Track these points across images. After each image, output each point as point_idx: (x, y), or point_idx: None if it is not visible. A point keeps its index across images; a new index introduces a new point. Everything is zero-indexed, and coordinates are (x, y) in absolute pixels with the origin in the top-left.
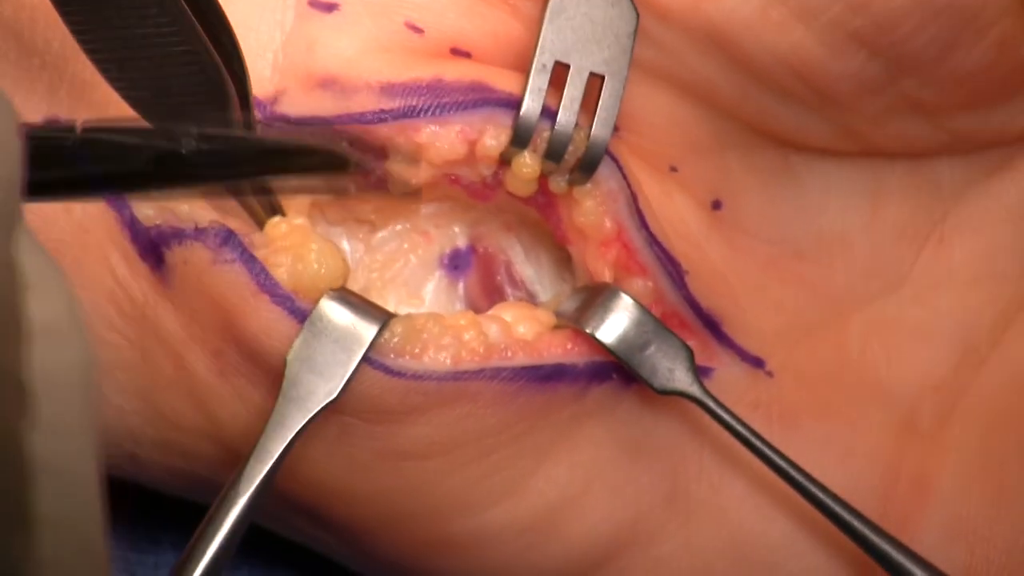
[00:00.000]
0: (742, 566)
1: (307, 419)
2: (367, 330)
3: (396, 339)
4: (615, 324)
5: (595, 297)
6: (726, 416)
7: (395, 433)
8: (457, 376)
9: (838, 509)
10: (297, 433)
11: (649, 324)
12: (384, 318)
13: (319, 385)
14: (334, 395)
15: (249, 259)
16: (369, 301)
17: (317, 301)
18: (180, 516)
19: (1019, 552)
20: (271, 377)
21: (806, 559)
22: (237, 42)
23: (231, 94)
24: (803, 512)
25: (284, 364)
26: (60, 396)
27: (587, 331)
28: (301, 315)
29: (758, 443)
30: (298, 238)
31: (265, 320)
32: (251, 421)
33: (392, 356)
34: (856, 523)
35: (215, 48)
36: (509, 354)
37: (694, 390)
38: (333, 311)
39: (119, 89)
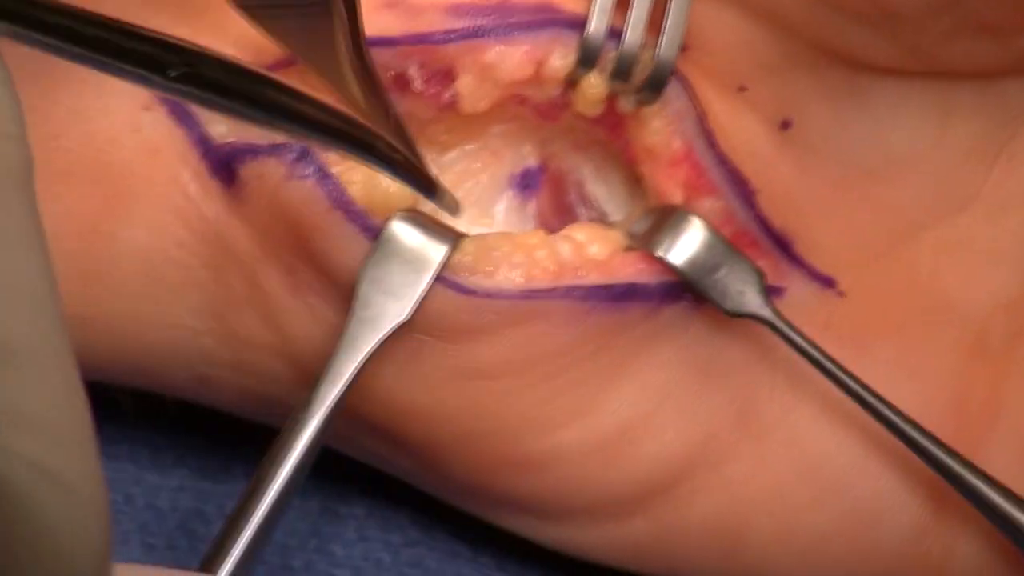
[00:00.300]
0: (813, 486)
1: (378, 340)
2: (437, 250)
3: (468, 258)
4: (685, 246)
5: (665, 219)
6: (796, 338)
7: (467, 351)
8: (529, 294)
9: (910, 430)
10: (368, 354)
11: (719, 246)
12: (454, 238)
13: (390, 305)
14: (405, 315)
15: (324, 175)
16: (439, 221)
17: (388, 221)
18: (253, 444)
19: None
20: (344, 295)
21: (878, 481)
22: None
23: None
24: (874, 434)
25: (355, 283)
26: None
27: (657, 254)
28: (374, 233)
29: (829, 365)
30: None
31: (338, 237)
32: (324, 339)
33: (464, 275)
34: (928, 444)
35: None
36: (581, 273)
37: (765, 312)
38: (403, 231)
39: None
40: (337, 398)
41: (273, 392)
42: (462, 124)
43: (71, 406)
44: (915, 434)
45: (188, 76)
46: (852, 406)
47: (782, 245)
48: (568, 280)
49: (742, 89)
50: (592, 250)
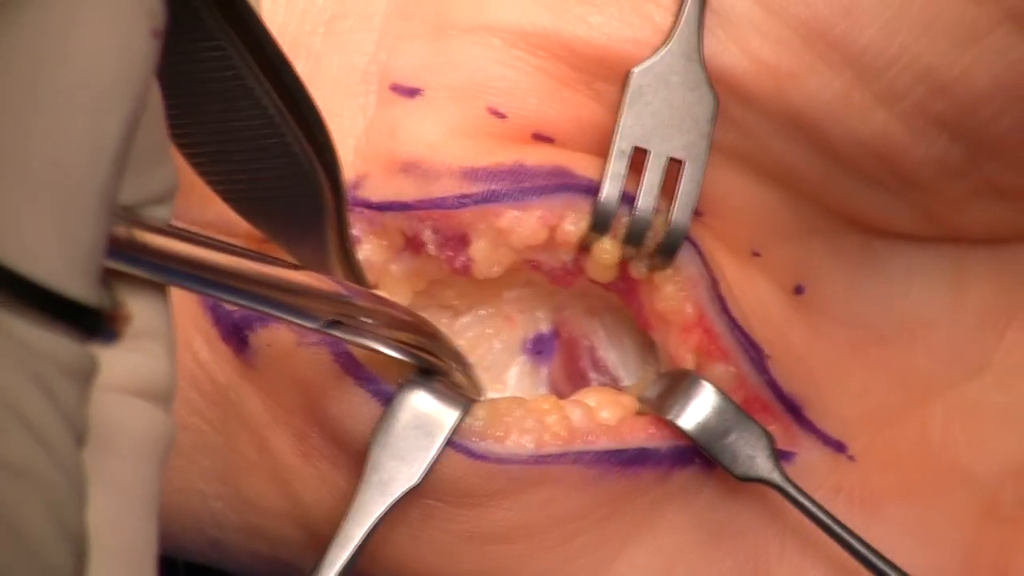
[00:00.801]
0: None
1: (388, 504)
2: (449, 415)
3: (479, 423)
4: (696, 412)
5: (676, 384)
6: (807, 503)
7: (479, 516)
8: (540, 460)
9: None
10: (378, 518)
11: (730, 411)
12: (467, 403)
13: (401, 470)
14: (416, 480)
15: (333, 341)
16: (451, 386)
17: (400, 384)
18: None
19: None
20: (355, 460)
21: None
22: (329, 133)
23: (323, 185)
24: None
25: (367, 448)
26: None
27: (668, 418)
28: (385, 397)
29: (839, 530)
30: None
31: (349, 403)
32: (335, 504)
33: (475, 439)
34: None
35: (307, 139)
36: (592, 438)
37: (775, 477)
38: (415, 396)
39: (211, 183)
40: (347, 562)
41: (284, 556)
42: (475, 289)
43: None
44: None
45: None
46: (861, 573)
47: (793, 410)
48: (579, 445)
49: (756, 254)
50: (603, 415)
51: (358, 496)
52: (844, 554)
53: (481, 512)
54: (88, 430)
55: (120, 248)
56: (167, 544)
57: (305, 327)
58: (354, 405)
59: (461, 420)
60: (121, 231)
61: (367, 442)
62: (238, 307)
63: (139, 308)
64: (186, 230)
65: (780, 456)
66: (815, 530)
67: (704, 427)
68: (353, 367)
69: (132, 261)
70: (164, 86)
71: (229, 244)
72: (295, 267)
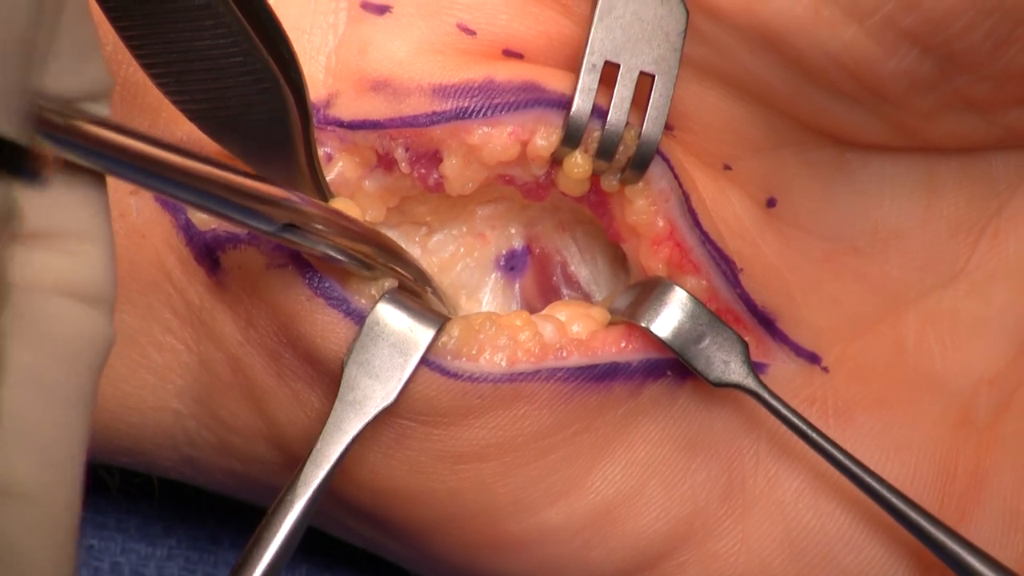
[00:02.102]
0: (799, 560)
1: (364, 423)
2: (424, 334)
3: (453, 341)
4: (669, 317)
5: (649, 291)
6: (782, 408)
7: (452, 435)
8: (513, 377)
9: (895, 500)
10: (354, 437)
11: (704, 317)
12: (440, 321)
13: (376, 389)
14: (391, 399)
15: (302, 263)
16: (424, 303)
17: (374, 303)
18: (241, 516)
19: None
20: (328, 380)
21: (863, 552)
22: (294, 51)
23: (290, 103)
24: (860, 505)
25: (341, 367)
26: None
27: (642, 325)
28: (358, 316)
29: (814, 435)
30: None
31: (321, 323)
32: (309, 424)
33: (449, 358)
34: (913, 514)
35: (272, 58)
36: (564, 354)
37: (749, 382)
38: (389, 314)
39: (176, 102)
40: (322, 481)
41: (258, 474)
42: (448, 205)
43: (59, 546)
44: (899, 503)
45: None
46: (836, 479)
47: (766, 322)
48: (551, 362)
49: (727, 168)
50: (575, 329)
51: (333, 415)
52: (819, 463)
53: (454, 431)
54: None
55: (54, 131)
56: (142, 460)
57: (258, 229)
58: (327, 325)
59: (435, 338)
60: (56, 117)
61: (340, 361)
62: (187, 204)
63: (75, 208)
64: (126, 126)
65: (745, 392)
66: (790, 439)
67: (678, 332)
68: (324, 288)
69: (67, 145)
70: (127, 6)
71: (176, 145)
72: (248, 174)
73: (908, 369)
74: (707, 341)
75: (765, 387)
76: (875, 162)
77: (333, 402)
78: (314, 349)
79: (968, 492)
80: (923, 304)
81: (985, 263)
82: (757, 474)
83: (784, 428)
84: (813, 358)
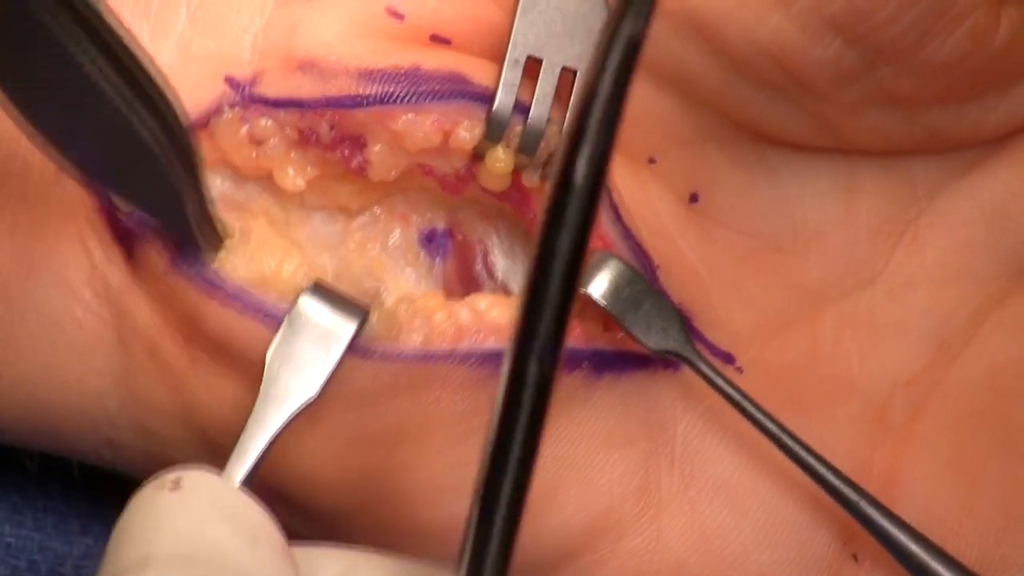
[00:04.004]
0: (714, 559)
1: (286, 418)
2: (346, 327)
3: (371, 329)
4: (606, 281)
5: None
6: (716, 379)
7: (364, 420)
8: (427, 357)
9: (825, 472)
10: (278, 432)
11: (641, 284)
12: (363, 313)
13: (298, 383)
14: (313, 393)
15: (203, 268)
16: (346, 295)
17: (291, 296)
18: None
19: (991, 547)
20: (243, 368)
21: (778, 551)
22: (180, 116)
23: (177, 167)
24: (775, 506)
25: (258, 360)
26: None
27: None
28: (274, 317)
29: (747, 404)
30: (259, 237)
31: (220, 317)
32: (223, 411)
33: (363, 340)
34: (842, 485)
35: (158, 126)
36: (480, 337)
37: (687, 350)
38: (311, 308)
39: (63, 163)
40: (246, 477)
41: (177, 457)
42: (370, 189)
43: None
44: (829, 475)
45: None
46: (752, 477)
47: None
48: (466, 345)
49: (651, 161)
50: (492, 314)
51: (255, 410)
52: (735, 460)
53: (367, 415)
54: None
55: None
56: (62, 443)
57: None
58: (227, 318)
59: (359, 331)
60: None
61: (248, 353)
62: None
63: None
64: None
65: (669, 365)
66: (707, 435)
67: (616, 297)
68: (219, 283)
69: None
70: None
71: None
72: None
73: (824, 370)
74: (645, 307)
75: (702, 357)
76: (797, 161)
77: (246, 390)
78: (221, 343)
79: (883, 494)
80: (841, 305)
81: (903, 267)
82: (673, 472)
83: (700, 422)
84: (727, 358)
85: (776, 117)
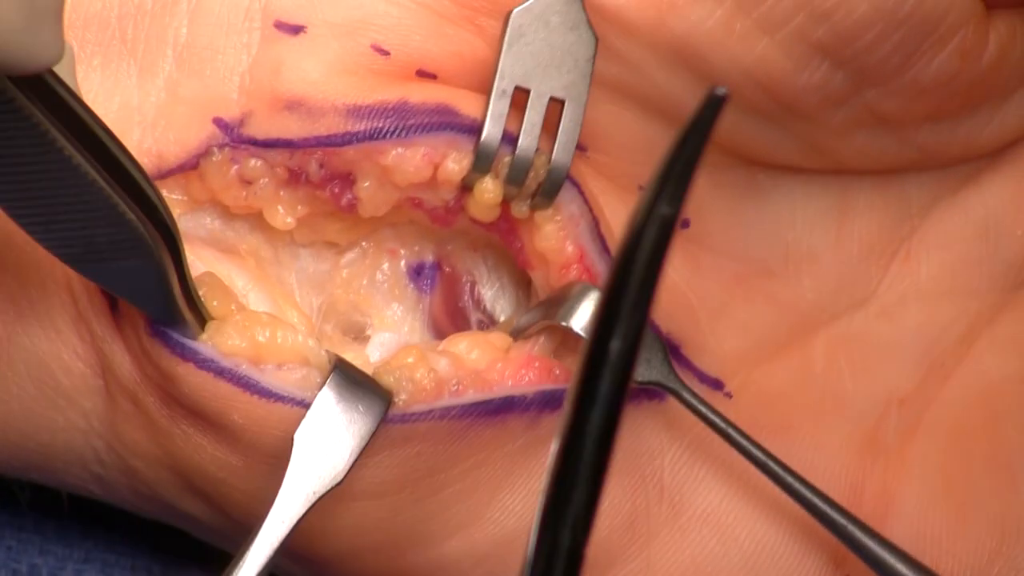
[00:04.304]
0: None
1: (311, 504)
2: (373, 412)
3: None
4: (588, 313)
5: (566, 292)
6: (703, 408)
7: (348, 475)
8: (405, 418)
9: (813, 498)
10: (300, 518)
11: None
12: (387, 397)
13: (322, 469)
14: (340, 479)
15: (169, 331)
16: (369, 376)
17: (286, 362)
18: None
19: (983, 566)
20: (216, 430)
21: None
22: (161, 197)
23: (159, 248)
24: (764, 533)
25: (241, 422)
26: None
27: (560, 323)
28: (231, 376)
29: (733, 433)
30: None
31: (194, 383)
32: (203, 463)
33: None
34: (831, 511)
35: (139, 206)
36: (459, 390)
37: (670, 380)
38: (340, 390)
39: (49, 248)
40: (267, 562)
41: (164, 498)
42: (359, 225)
43: None
44: (817, 500)
45: None
46: (739, 505)
47: (670, 348)
48: (445, 400)
49: (640, 188)
50: (472, 356)
51: (280, 497)
52: (723, 490)
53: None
54: None
55: None
56: (52, 477)
57: None
58: (200, 384)
59: (384, 416)
60: None
61: (221, 414)
62: None
63: None
64: None
65: (654, 396)
66: (695, 464)
67: None
68: (190, 352)
69: None
70: None
71: None
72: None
73: (815, 392)
74: None
75: (685, 386)
76: (787, 183)
77: (228, 449)
78: (194, 405)
79: (875, 515)
80: (834, 327)
81: (896, 285)
82: (662, 502)
83: (688, 452)
84: (716, 384)
85: (765, 141)
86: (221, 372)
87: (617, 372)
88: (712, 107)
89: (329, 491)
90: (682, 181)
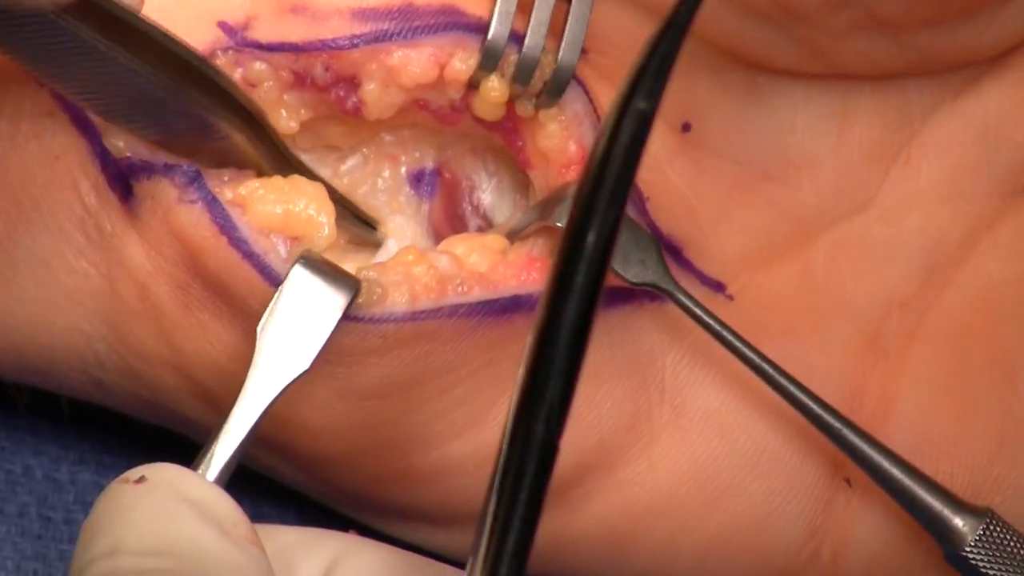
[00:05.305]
0: (706, 488)
1: (279, 391)
2: (336, 300)
3: (360, 298)
4: None
5: (561, 193)
6: (697, 310)
7: (354, 374)
8: (415, 316)
9: (807, 400)
10: (269, 406)
11: None
12: (353, 285)
13: (290, 354)
14: (306, 366)
15: (212, 201)
16: (335, 265)
17: (290, 257)
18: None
19: (983, 468)
20: (236, 312)
21: (768, 480)
22: (242, 95)
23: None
24: (764, 435)
25: (258, 305)
26: None
27: (555, 223)
28: (256, 260)
29: (727, 335)
30: (275, 188)
31: (224, 260)
32: (216, 355)
33: (353, 312)
34: (827, 415)
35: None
36: (464, 289)
37: (665, 282)
38: (303, 279)
39: (141, 136)
40: (236, 450)
41: (165, 401)
42: (361, 129)
43: None
44: (812, 404)
45: None
46: (741, 406)
47: (671, 250)
48: (452, 298)
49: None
50: (472, 260)
51: (248, 383)
52: (724, 390)
53: (357, 369)
54: None
55: None
56: (52, 381)
57: None
58: (230, 263)
59: (350, 304)
60: None
61: (246, 295)
62: None
63: None
64: None
65: (656, 298)
66: (695, 365)
67: None
68: (228, 227)
69: None
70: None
71: None
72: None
73: (816, 295)
74: (623, 239)
75: (680, 287)
76: (788, 87)
77: (243, 335)
78: (220, 284)
79: (876, 418)
80: (834, 231)
81: (896, 190)
82: (663, 403)
83: (689, 353)
84: (718, 286)
85: (766, 44)
86: (249, 255)
87: (592, 265)
88: (690, 4)
89: (295, 380)
90: (659, 77)
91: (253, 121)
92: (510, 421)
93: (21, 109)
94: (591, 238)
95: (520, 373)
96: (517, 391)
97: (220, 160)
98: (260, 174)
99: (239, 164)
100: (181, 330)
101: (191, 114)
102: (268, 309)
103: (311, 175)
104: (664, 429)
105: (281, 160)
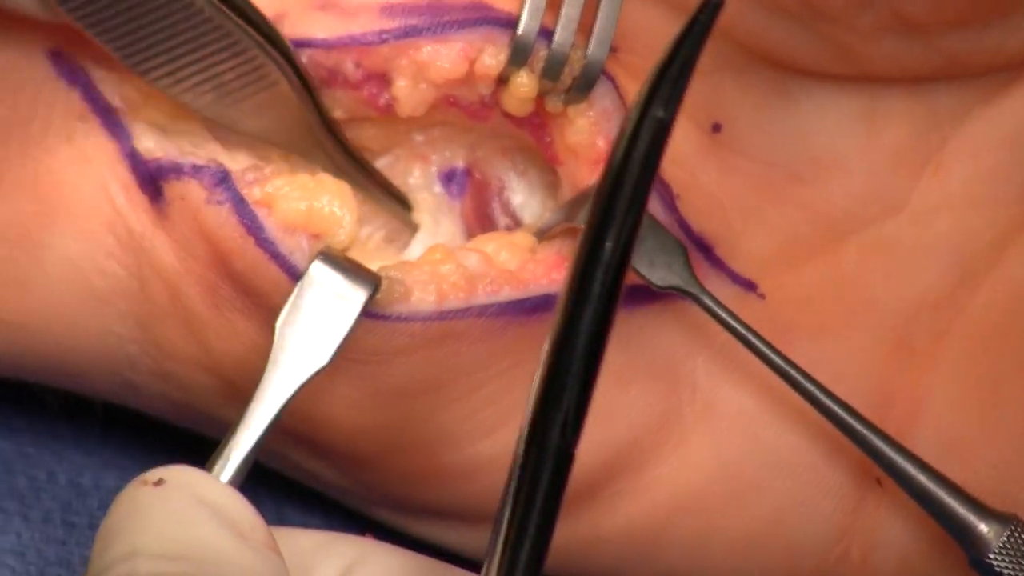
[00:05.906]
0: (732, 485)
1: (297, 386)
2: (357, 294)
3: (382, 293)
4: None
5: (585, 195)
6: (723, 314)
7: (383, 373)
8: (443, 315)
9: (833, 405)
10: (287, 402)
11: (644, 219)
12: (373, 281)
13: (310, 349)
14: (325, 361)
15: (239, 202)
16: (356, 261)
17: (304, 252)
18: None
19: (1013, 469)
20: (265, 312)
21: (797, 479)
22: (280, 34)
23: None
24: (793, 434)
25: (274, 328)
26: None
27: (580, 224)
28: (290, 269)
29: (754, 340)
30: (300, 185)
31: (252, 261)
32: (245, 354)
33: (378, 308)
34: (853, 420)
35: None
36: (494, 288)
37: (691, 286)
38: (324, 274)
39: (181, 98)
40: (254, 446)
41: (195, 402)
42: (392, 129)
43: None
44: (839, 410)
45: None
46: (767, 405)
47: (702, 249)
48: (482, 297)
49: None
50: (501, 257)
51: (265, 378)
52: (753, 388)
53: (385, 368)
54: None
55: None
56: (84, 383)
57: None
58: (258, 263)
59: (370, 299)
60: None
61: (273, 296)
62: None
63: None
64: None
65: (680, 299)
66: (725, 363)
67: None
68: (255, 228)
69: None
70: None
71: None
72: None
73: (847, 296)
74: (649, 242)
75: (706, 291)
76: (816, 89)
77: (269, 334)
78: (248, 284)
79: (905, 417)
80: (865, 233)
81: (928, 194)
82: (694, 401)
83: (719, 352)
84: (749, 285)
85: (792, 44)
86: (276, 256)
87: (610, 272)
88: (709, 11)
89: (314, 375)
90: (678, 85)
91: (300, 76)
92: (526, 427)
93: (51, 113)
94: (609, 245)
95: (536, 379)
96: (533, 397)
97: (255, 114)
98: (289, 144)
99: (275, 122)
100: (211, 330)
101: (246, 55)
102: (287, 305)
103: (343, 138)
104: (695, 429)
105: (318, 119)
